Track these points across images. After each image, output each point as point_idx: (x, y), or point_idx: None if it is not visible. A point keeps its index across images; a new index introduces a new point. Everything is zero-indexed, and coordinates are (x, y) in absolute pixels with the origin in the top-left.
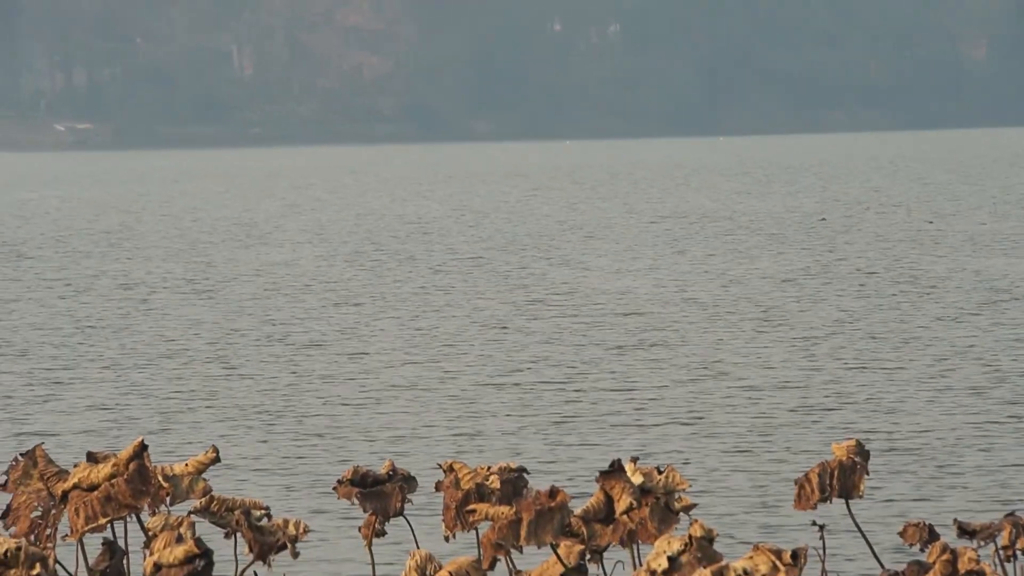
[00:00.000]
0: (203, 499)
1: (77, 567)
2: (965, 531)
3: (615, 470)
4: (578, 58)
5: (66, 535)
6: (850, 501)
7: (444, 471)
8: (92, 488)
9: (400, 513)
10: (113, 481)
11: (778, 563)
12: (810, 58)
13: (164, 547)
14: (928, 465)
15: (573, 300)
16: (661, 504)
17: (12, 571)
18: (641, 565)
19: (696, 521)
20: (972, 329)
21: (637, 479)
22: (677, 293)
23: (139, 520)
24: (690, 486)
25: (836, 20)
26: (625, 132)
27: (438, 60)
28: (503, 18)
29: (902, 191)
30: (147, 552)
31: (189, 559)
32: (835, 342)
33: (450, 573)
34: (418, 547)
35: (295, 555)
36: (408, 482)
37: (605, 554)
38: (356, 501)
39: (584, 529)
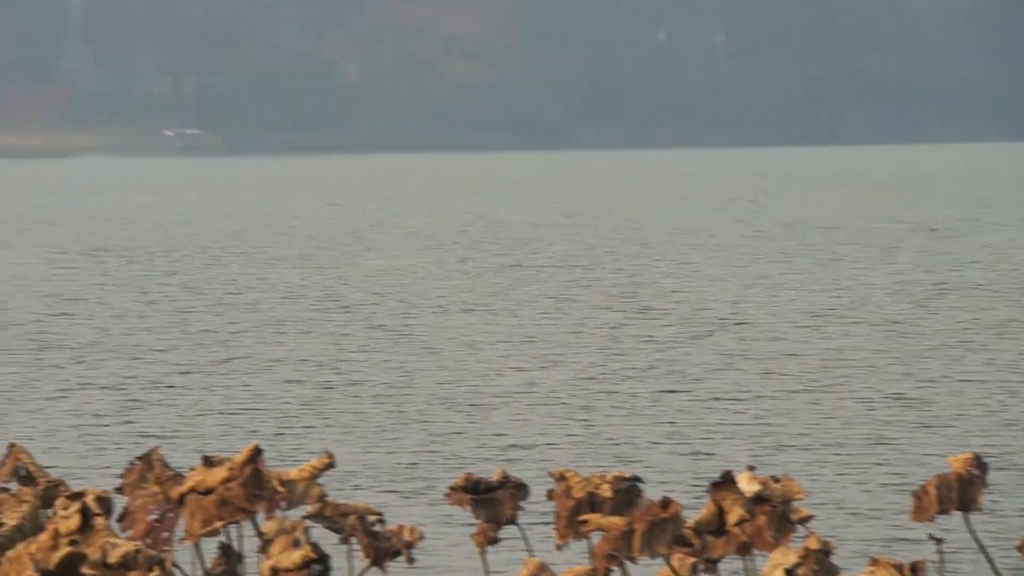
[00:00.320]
0: (318, 504)
1: (193, 570)
2: None
3: (726, 481)
4: (682, 67)
5: (182, 538)
6: (968, 514)
7: (555, 479)
8: (208, 492)
9: (512, 521)
10: (229, 485)
11: None
12: (914, 68)
13: (281, 551)
14: None
15: (683, 309)
16: (778, 513)
17: (130, 574)
18: None
19: (812, 533)
20: None
21: (753, 488)
22: (788, 303)
23: (254, 524)
24: (807, 496)
25: (941, 30)
26: (729, 141)
27: (542, 68)
28: (608, 26)
29: (1014, 203)
30: (263, 556)
31: (306, 563)
32: (952, 354)
33: None
34: (531, 555)
35: (410, 561)
36: (520, 490)
37: (719, 566)
38: (469, 508)
39: (697, 541)
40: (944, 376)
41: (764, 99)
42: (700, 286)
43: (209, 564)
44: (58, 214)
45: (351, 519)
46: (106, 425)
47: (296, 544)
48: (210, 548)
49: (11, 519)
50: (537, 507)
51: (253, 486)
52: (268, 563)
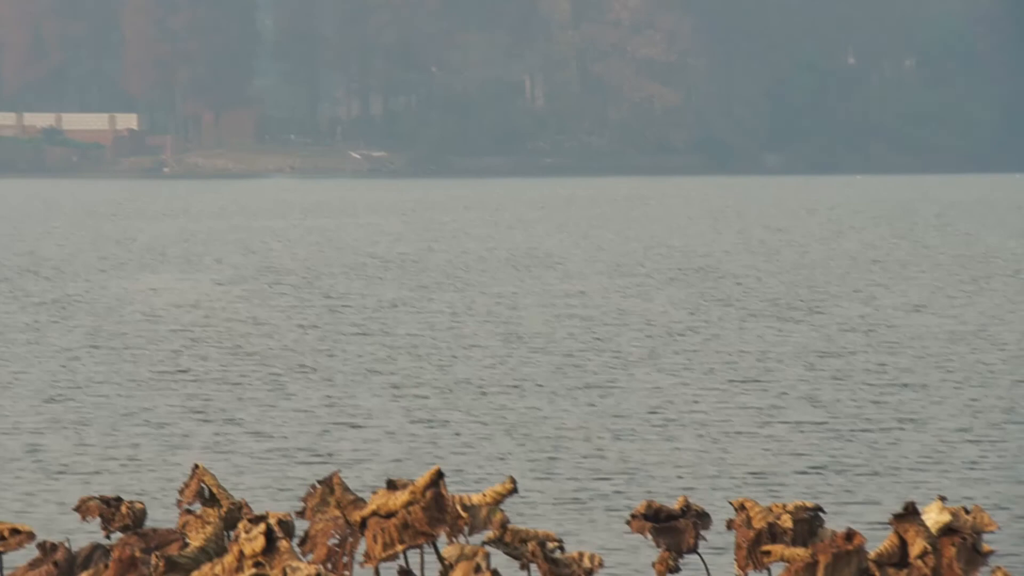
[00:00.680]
0: (499, 530)
1: None
2: None
3: (909, 513)
4: (872, 92)
5: (363, 562)
6: None
7: (736, 509)
8: (390, 515)
9: (694, 550)
10: (410, 509)
11: None
12: None
13: None
14: None
15: (871, 337)
16: (968, 545)
17: None
18: None
19: (999, 569)
20: None
21: (944, 518)
22: (978, 332)
23: (435, 549)
24: (998, 528)
25: None
26: (919, 168)
27: (730, 92)
28: (796, 51)
29: None
30: None
31: None
32: None
33: None
34: None
35: None
36: (701, 518)
37: None
38: (650, 536)
39: (878, 573)
40: None
41: (956, 125)
42: (887, 314)
43: None
44: (246, 235)
45: (531, 545)
46: (288, 448)
47: (478, 570)
48: (390, 572)
49: (196, 540)
50: (718, 537)
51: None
52: None
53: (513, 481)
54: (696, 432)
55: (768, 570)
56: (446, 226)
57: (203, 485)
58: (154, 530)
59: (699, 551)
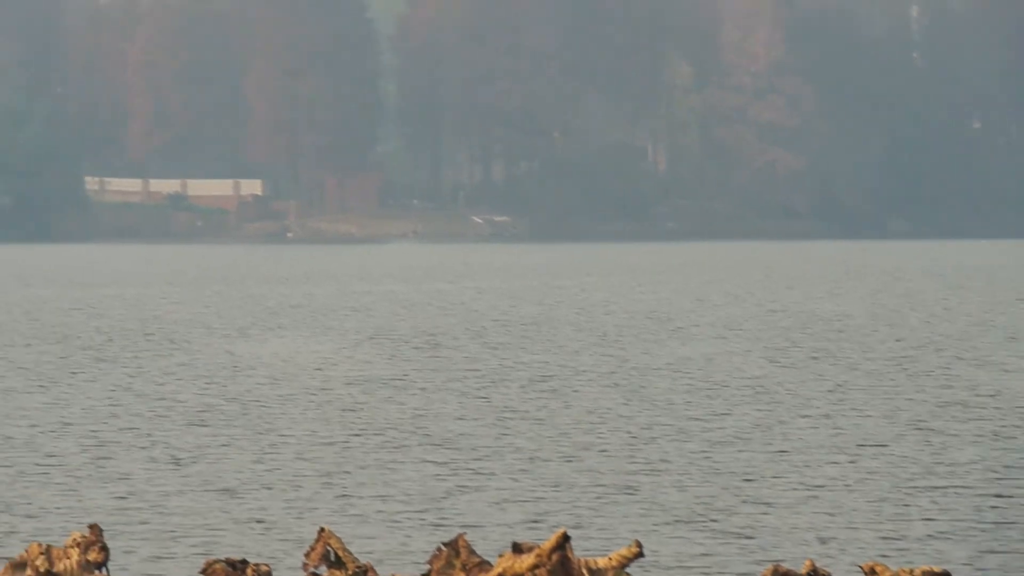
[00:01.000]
0: None
1: None
2: None
3: None
4: (998, 156)
5: None
6: None
7: (865, 573)
8: None
9: None
10: (536, 572)
11: None
12: None
13: None
14: None
15: (997, 402)
16: None
17: None
18: None
19: None
20: None
21: None
22: None
23: None
24: None
25: None
26: None
27: (853, 156)
28: (920, 115)
29: None
30: None
31: None
32: None
33: None
34: None
35: None
36: None
37: None
38: None
39: None
40: None
41: None
42: (1013, 379)
43: None
44: (369, 299)
45: None
46: (413, 510)
47: None
48: None
49: None
50: None
51: (561, 574)
52: None
53: (639, 544)
54: (823, 495)
55: None
56: (567, 290)
57: (329, 548)
58: None
59: None
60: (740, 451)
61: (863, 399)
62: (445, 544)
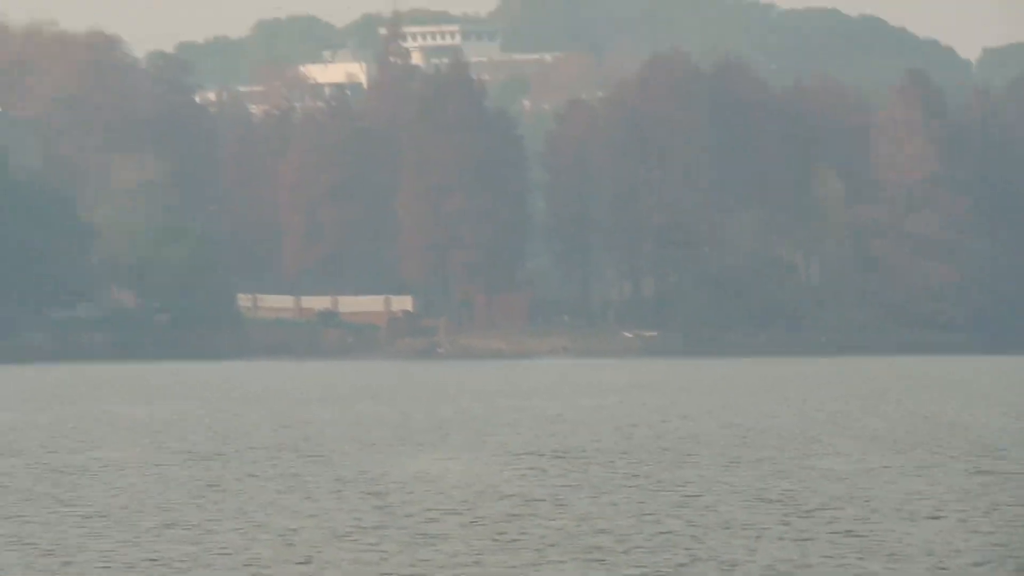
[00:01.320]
0: None
1: None
2: None
3: None
4: None
5: None
6: None
7: None
8: None
9: None
10: None
11: None
12: None
13: None
14: None
15: None
16: None
17: None
18: None
19: None
20: None
21: None
22: None
23: None
24: None
25: None
26: None
27: (1010, 271)
28: None
29: None
30: None
31: None
32: None
33: None
34: None
35: None
36: None
37: None
38: None
39: None
40: None
41: None
42: None
43: None
44: (520, 415)
45: None
46: None
47: None
48: None
49: None
50: None
51: None
52: None
53: None
54: None
55: None
56: (718, 404)
57: None
58: None
59: None
60: (891, 566)
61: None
62: None
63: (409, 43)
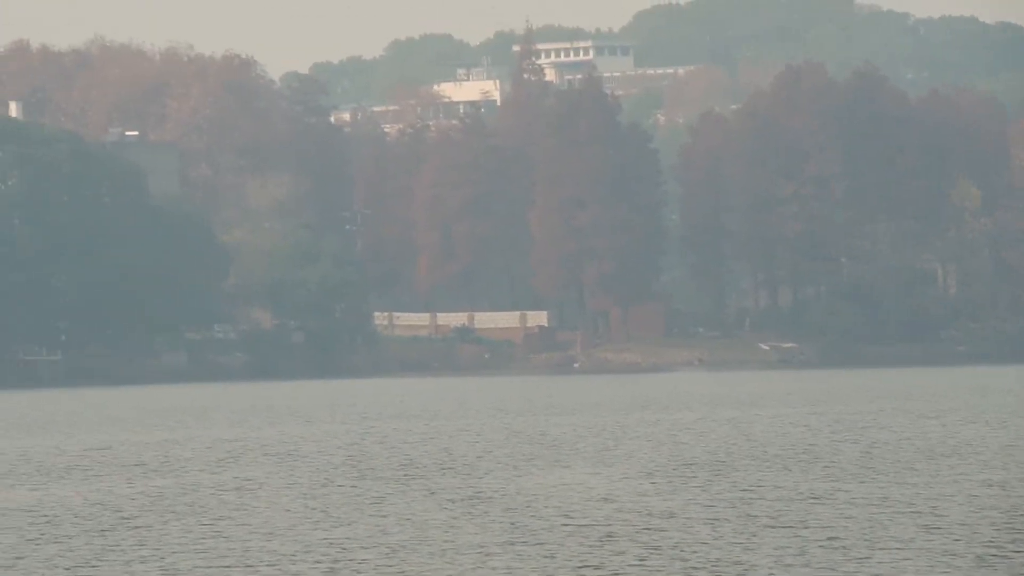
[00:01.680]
0: None
1: None
2: None
3: None
4: None
5: None
6: None
7: None
8: None
9: None
10: None
11: None
12: None
13: None
14: None
15: None
16: None
17: None
18: None
19: None
20: None
21: None
22: None
23: None
24: None
25: None
26: None
27: None
28: None
29: None
30: None
31: None
32: None
33: None
34: None
35: None
36: None
37: None
38: None
39: None
40: None
41: None
42: None
43: None
44: (656, 428)
45: None
46: None
47: None
48: None
49: None
50: None
51: None
52: None
53: None
54: None
55: None
56: (855, 416)
57: None
58: None
59: None
60: None
61: None
62: None
63: (542, 60)
